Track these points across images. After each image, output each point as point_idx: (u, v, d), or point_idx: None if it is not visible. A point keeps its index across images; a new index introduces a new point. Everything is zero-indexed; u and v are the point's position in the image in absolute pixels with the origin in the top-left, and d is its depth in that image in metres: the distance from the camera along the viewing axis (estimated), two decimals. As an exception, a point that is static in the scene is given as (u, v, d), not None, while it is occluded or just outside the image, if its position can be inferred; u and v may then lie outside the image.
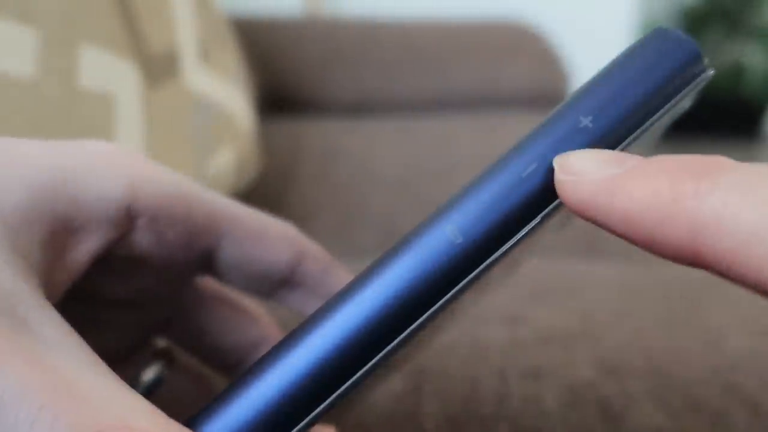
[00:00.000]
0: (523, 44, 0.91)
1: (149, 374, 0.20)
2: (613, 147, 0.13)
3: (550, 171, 0.13)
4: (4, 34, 0.26)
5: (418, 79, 0.87)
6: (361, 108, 0.87)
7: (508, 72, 0.88)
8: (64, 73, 0.29)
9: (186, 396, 0.21)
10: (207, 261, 0.18)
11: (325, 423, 0.21)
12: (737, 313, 0.35)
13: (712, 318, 0.34)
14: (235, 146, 0.51)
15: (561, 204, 0.13)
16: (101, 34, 0.32)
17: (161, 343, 0.21)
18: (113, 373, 0.13)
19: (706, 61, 0.13)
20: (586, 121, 0.13)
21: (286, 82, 0.86)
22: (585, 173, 0.12)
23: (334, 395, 0.13)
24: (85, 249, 0.15)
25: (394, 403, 0.27)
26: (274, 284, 0.18)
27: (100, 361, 0.13)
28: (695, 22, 2.25)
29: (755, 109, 2.26)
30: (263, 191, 0.58)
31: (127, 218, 0.16)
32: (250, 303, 0.21)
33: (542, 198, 0.13)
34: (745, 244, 0.10)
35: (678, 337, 0.32)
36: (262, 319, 0.20)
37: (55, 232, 0.14)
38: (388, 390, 0.28)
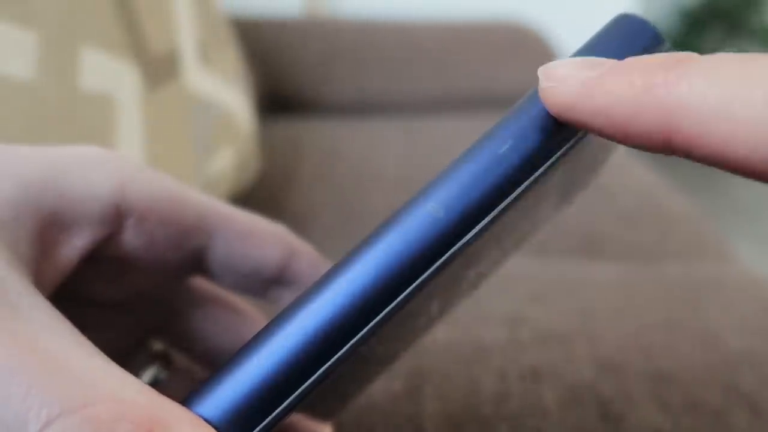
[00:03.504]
0: (522, 44, 0.91)
1: (146, 377, 0.20)
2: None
3: (526, 147, 0.13)
4: (5, 36, 0.26)
5: (418, 79, 0.87)
6: (361, 108, 0.87)
7: (508, 72, 0.88)
8: (65, 75, 0.29)
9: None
10: (198, 261, 0.18)
11: (323, 421, 0.21)
12: (737, 313, 0.35)
13: (711, 318, 0.34)
14: (235, 147, 0.51)
15: (541, 176, 0.14)
16: (101, 35, 0.32)
17: (158, 345, 0.21)
18: (102, 353, 0.13)
19: (667, 45, 0.14)
20: None
21: (286, 82, 0.86)
22: (566, 78, 0.13)
23: (327, 365, 0.14)
24: (74, 245, 0.15)
25: (395, 403, 0.27)
26: (265, 283, 0.19)
27: (89, 343, 0.13)
28: (695, 23, 2.25)
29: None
30: (263, 191, 0.58)
31: (116, 217, 0.16)
32: (243, 302, 0.21)
33: (520, 172, 0.13)
34: (710, 122, 0.10)
35: (678, 337, 0.32)
36: (255, 319, 0.21)
37: (44, 228, 0.15)
38: (389, 390, 0.28)
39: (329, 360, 0.14)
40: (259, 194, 0.58)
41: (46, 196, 0.15)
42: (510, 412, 0.27)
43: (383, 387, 0.28)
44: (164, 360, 0.20)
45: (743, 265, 0.50)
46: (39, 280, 0.15)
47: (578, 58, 0.13)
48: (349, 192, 0.58)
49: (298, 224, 0.53)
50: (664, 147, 0.11)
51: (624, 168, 0.65)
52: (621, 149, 0.71)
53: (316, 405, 0.18)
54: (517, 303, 0.35)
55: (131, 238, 0.16)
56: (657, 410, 0.27)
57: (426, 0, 1.49)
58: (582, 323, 0.33)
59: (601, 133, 0.12)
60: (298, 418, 0.20)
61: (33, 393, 0.11)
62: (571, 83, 0.12)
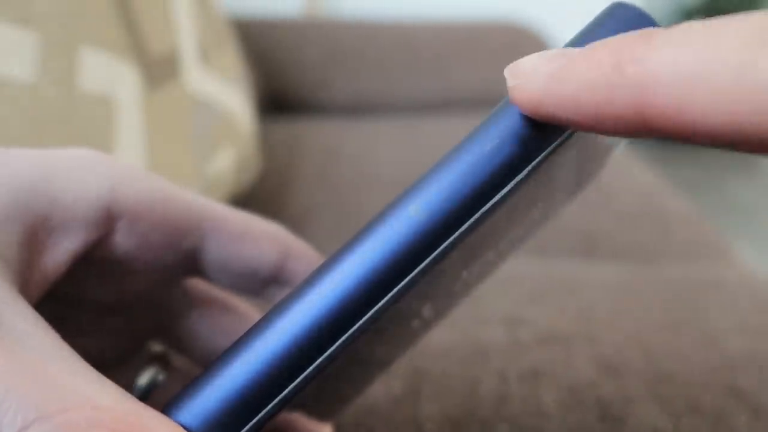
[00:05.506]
0: (522, 45, 0.91)
1: (144, 379, 0.20)
2: None
3: (511, 146, 0.13)
4: (4, 37, 0.26)
5: (418, 80, 0.87)
6: (360, 108, 0.87)
7: (508, 72, 0.88)
8: (64, 76, 0.29)
9: None
10: (193, 262, 0.18)
11: (321, 421, 0.21)
12: (737, 314, 0.35)
13: (711, 318, 0.34)
14: (235, 147, 0.51)
15: (529, 175, 0.13)
16: (101, 36, 0.32)
17: (156, 347, 0.21)
18: (82, 359, 0.13)
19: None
20: None
21: (286, 82, 0.86)
22: (533, 72, 0.12)
23: (307, 372, 0.14)
24: (63, 248, 0.15)
25: (394, 404, 0.27)
26: (261, 282, 0.19)
27: (68, 348, 0.13)
28: (695, 22, 2.25)
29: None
30: (263, 191, 0.58)
31: (107, 219, 0.16)
32: (240, 302, 0.21)
33: (502, 173, 0.13)
34: (686, 91, 0.10)
35: (678, 337, 0.32)
36: (253, 319, 0.20)
37: (34, 231, 0.15)
38: (388, 391, 0.28)
39: (309, 366, 0.13)
40: (259, 194, 0.58)
41: (36, 199, 0.15)
42: (510, 413, 0.27)
43: (383, 388, 0.28)
44: (163, 362, 0.20)
45: (743, 265, 0.50)
46: (28, 283, 0.14)
47: (544, 52, 0.13)
48: (349, 192, 0.58)
49: (297, 224, 0.53)
50: (641, 126, 0.11)
51: (623, 168, 0.65)
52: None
53: (312, 406, 0.18)
54: (517, 304, 0.35)
55: (124, 240, 0.16)
56: (657, 411, 0.27)
57: (425, 1, 1.49)
58: (582, 324, 0.33)
59: (574, 124, 0.12)
60: (296, 417, 0.20)
61: (9, 398, 0.11)
62: (538, 77, 0.12)
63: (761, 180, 1.92)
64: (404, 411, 0.27)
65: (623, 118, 0.11)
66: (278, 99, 0.86)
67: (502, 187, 0.13)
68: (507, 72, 0.13)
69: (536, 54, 0.13)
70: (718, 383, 0.29)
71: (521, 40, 0.92)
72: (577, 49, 0.12)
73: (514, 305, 0.35)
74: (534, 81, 0.12)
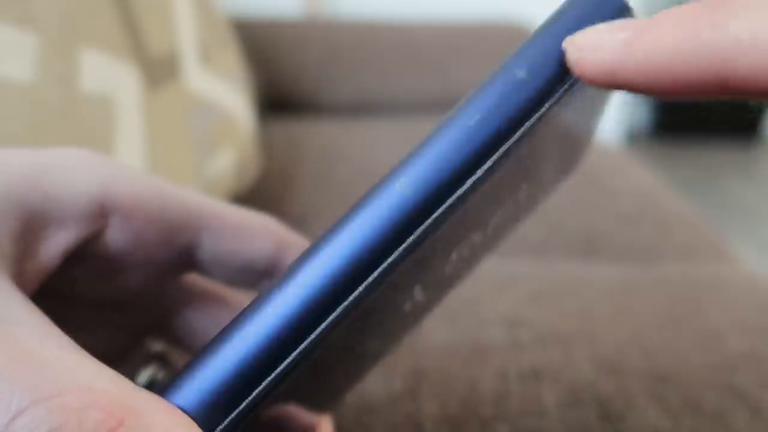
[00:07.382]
0: (520, 45, 0.91)
1: (143, 377, 0.20)
2: (548, 96, 0.13)
3: (491, 121, 0.13)
4: (4, 37, 0.26)
5: (417, 80, 0.87)
6: (360, 108, 0.87)
7: (508, 72, 0.88)
8: (64, 77, 0.29)
9: None
10: (189, 258, 0.18)
11: (321, 413, 0.21)
12: (737, 313, 0.35)
13: (711, 318, 0.34)
14: (235, 147, 0.51)
15: (511, 149, 0.13)
16: (101, 36, 0.32)
17: (156, 346, 0.21)
18: (77, 346, 0.13)
19: (633, 11, 0.14)
20: (521, 74, 0.13)
21: (286, 82, 0.86)
22: (600, 43, 0.12)
23: (297, 351, 0.14)
24: (57, 243, 0.15)
25: (394, 403, 0.27)
26: (258, 276, 0.19)
27: (64, 335, 0.13)
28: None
29: (755, 110, 2.26)
30: (263, 192, 0.58)
31: (101, 215, 0.16)
32: (238, 296, 0.21)
33: (487, 145, 0.13)
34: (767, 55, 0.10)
35: (678, 337, 0.32)
36: None
37: (27, 225, 0.15)
38: (388, 390, 0.28)
39: (298, 347, 0.14)
40: (259, 195, 0.58)
41: (29, 195, 0.15)
42: (509, 412, 0.27)
43: (382, 387, 0.28)
44: (162, 360, 0.20)
45: (743, 265, 0.50)
46: (22, 276, 0.15)
47: (607, 24, 0.13)
48: (349, 192, 0.58)
49: (297, 224, 0.53)
50: (721, 88, 0.11)
51: (623, 168, 0.65)
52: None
53: (308, 398, 0.18)
54: (517, 303, 0.35)
55: (118, 236, 0.16)
56: (657, 410, 0.27)
57: (425, 1, 1.49)
58: (581, 323, 0.33)
59: (647, 91, 0.12)
60: (292, 410, 0.20)
61: (3, 384, 0.12)
62: (606, 48, 0.12)
63: (761, 180, 1.92)
64: (404, 410, 0.27)
65: (702, 82, 0.11)
66: (278, 99, 0.86)
67: (487, 159, 0.13)
68: (567, 44, 0.13)
69: (598, 26, 0.13)
70: (718, 383, 0.29)
71: (520, 40, 0.92)
72: (641, 20, 0.12)
73: (513, 305, 0.35)
74: (603, 51, 0.12)
